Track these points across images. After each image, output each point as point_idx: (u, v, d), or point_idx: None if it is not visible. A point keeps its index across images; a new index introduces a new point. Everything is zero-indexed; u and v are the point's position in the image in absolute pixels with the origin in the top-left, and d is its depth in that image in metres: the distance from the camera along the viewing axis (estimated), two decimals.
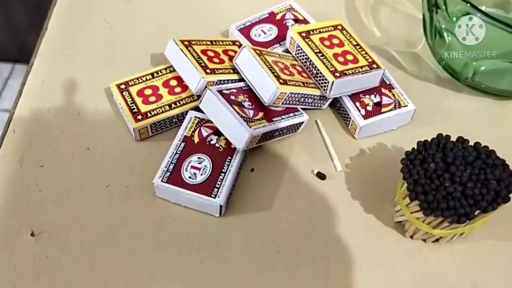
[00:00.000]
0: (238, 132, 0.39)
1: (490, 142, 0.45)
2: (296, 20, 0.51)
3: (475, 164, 0.36)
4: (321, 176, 0.42)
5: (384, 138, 0.45)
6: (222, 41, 0.47)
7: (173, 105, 0.43)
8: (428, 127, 0.46)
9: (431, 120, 0.47)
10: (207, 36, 0.48)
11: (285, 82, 0.41)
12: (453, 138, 0.39)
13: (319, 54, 0.44)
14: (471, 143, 0.38)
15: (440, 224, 0.36)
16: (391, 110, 0.44)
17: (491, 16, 0.40)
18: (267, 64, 0.42)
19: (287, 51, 0.47)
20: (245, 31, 0.49)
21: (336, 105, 0.46)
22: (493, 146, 0.45)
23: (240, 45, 0.48)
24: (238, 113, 0.40)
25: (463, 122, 0.47)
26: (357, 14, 0.55)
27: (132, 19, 0.53)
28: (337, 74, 0.43)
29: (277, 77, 0.41)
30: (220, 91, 0.41)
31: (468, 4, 0.41)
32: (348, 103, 0.45)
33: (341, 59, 0.44)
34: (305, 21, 0.51)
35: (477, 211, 0.34)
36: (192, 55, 0.43)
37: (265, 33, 0.49)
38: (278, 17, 0.51)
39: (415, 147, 0.38)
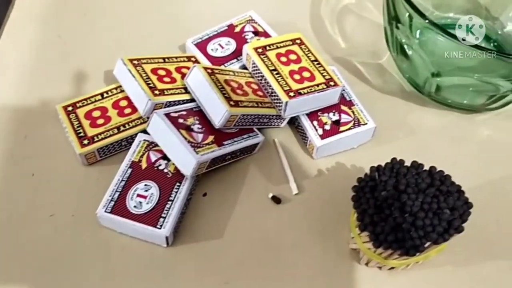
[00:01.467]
0: (185, 158, 0.37)
1: (455, 158, 0.44)
2: (256, 33, 0.49)
3: (428, 192, 0.34)
4: (276, 200, 0.41)
5: (344, 157, 0.43)
6: (176, 58, 0.45)
7: (121, 128, 0.41)
8: (391, 144, 0.44)
9: (395, 137, 0.45)
10: (165, 51, 0.47)
11: (236, 104, 0.40)
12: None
13: (275, 72, 0.42)
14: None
15: (392, 255, 0.34)
16: (349, 128, 0.43)
17: (450, 32, 0.38)
18: (218, 84, 0.40)
19: (244, 66, 0.45)
20: (202, 45, 0.48)
21: (295, 123, 0.45)
22: (458, 162, 0.43)
23: (195, 61, 0.46)
24: (186, 138, 0.38)
25: (427, 138, 0.45)
26: (322, 23, 0.53)
27: (88, 33, 0.51)
28: (292, 94, 0.41)
29: (228, 99, 0.39)
30: (167, 114, 0.39)
31: (427, 21, 0.39)
32: (306, 122, 0.43)
33: (297, 76, 0.42)
34: (265, 34, 0.49)
35: (428, 243, 0.33)
36: (141, 75, 0.41)
37: (222, 47, 0.47)
38: (237, 29, 0.49)
39: (368, 173, 0.36)
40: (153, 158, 0.40)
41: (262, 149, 0.44)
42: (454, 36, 0.38)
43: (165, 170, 0.39)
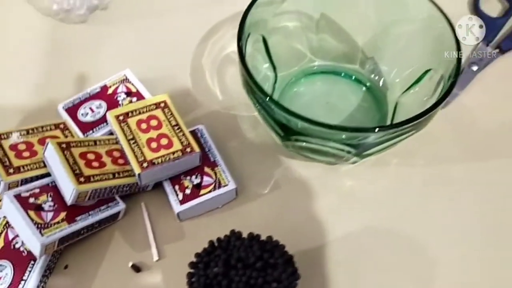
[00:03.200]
0: (31, 240, 0.38)
1: (314, 213, 0.45)
2: (129, 93, 0.49)
3: (257, 266, 0.35)
4: (136, 268, 0.42)
5: (208, 218, 0.44)
6: (43, 127, 0.46)
7: None
8: (256, 201, 0.45)
9: (260, 193, 0.46)
10: (41, 112, 0.48)
11: (87, 179, 0.40)
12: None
13: (132, 142, 0.43)
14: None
15: None
16: (210, 191, 0.43)
17: (284, 107, 0.39)
18: (71, 160, 0.41)
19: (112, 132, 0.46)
20: (73, 110, 0.48)
21: (161, 187, 0.46)
22: (317, 218, 0.44)
23: (65, 128, 0.47)
24: (33, 220, 0.39)
25: (292, 191, 0.46)
26: (202, 74, 0.54)
27: None
28: (145, 165, 0.42)
29: (78, 175, 0.40)
30: (18, 196, 0.40)
31: (268, 98, 0.40)
32: (168, 187, 0.44)
33: (154, 145, 0.43)
34: (138, 94, 0.49)
35: None
36: None
37: (93, 111, 0.48)
38: (110, 91, 0.49)
39: (206, 247, 0.37)
40: (10, 236, 0.41)
41: (129, 214, 0.45)
42: (289, 112, 0.38)
43: (21, 249, 0.40)
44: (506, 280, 0.42)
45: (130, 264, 0.42)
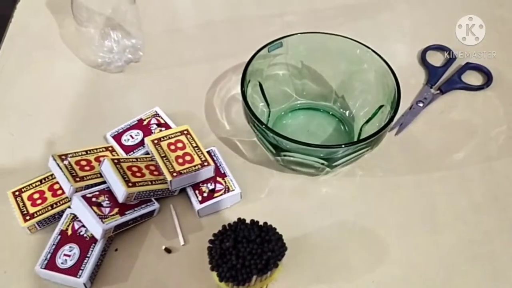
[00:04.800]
0: (95, 227, 0.53)
1: (299, 211, 0.60)
2: (159, 124, 0.65)
3: (257, 241, 0.50)
4: (167, 250, 0.57)
5: (220, 215, 0.60)
6: (96, 149, 0.62)
7: (54, 205, 0.57)
8: (255, 203, 0.61)
9: (258, 197, 0.61)
10: (91, 139, 0.63)
11: (133, 185, 0.56)
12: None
13: (164, 158, 0.59)
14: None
15: (233, 286, 0.50)
16: (221, 194, 0.59)
17: (273, 130, 0.55)
18: (121, 171, 0.57)
19: (147, 152, 0.62)
20: (118, 137, 0.64)
21: (185, 192, 0.61)
22: (301, 214, 0.59)
23: (112, 150, 0.63)
24: (96, 212, 0.54)
25: (281, 197, 0.61)
26: (213, 110, 0.70)
27: (33, 130, 0.68)
28: (175, 174, 0.57)
29: (127, 181, 0.56)
30: (84, 196, 0.55)
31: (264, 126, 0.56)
32: (190, 192, 0.59)
33: (180, 160, 0.59)
34: (166, 125, 0.65)
35: (254, 276, 0.49)
36: (66, 167, 0.57)
37: (132, 138, 0.64)
38: (145, 123, 0.66)
39: (220, 230, 0.52)
40: (76, 227, 0.56)
41: (162, 213, 0.60)
42: (284, 137, 0.55)
43: (85, 235, 0.55)
44: (438, 256, 0.57)
45: (163, 247, 0.57)
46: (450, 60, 0.75)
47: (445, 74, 0.74)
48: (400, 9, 0.85)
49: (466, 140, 0.67)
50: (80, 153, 0.60)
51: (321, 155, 0.57)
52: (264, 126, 0.56)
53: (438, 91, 0.72)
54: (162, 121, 0.66)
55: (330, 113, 0.69)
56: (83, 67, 0.75)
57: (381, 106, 0.62)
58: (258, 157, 0.65)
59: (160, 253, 0.57)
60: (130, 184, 0.56)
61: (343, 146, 0.55)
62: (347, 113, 0.68)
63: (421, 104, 0.70)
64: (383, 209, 0.61)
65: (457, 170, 0.64)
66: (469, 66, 0.74)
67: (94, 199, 0.55)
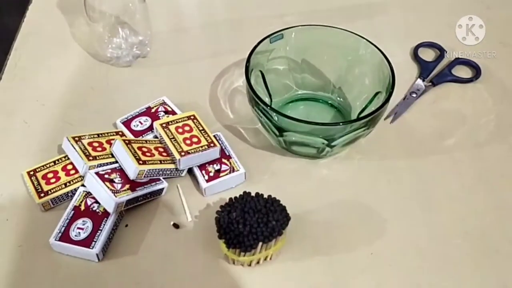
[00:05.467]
0: (108, 201, 0.56)
1: (301, 191, 0.63)
2: (166, 112, 0.69)
3: (262, 211, 0.53)
4: (176, 226, 0.59)
5: (225, 194, 0.62)
6: (108, 133, 0.65)
7: (68, 184, 0.60)
8: (259, 184, 0.64)
9: (261, 179, 0.64)
10: (101, 128, 0.66)
11: (144, 162, 0.59)
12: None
13: (173, 139, 0.62)
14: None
15: (240, 253, 0.53)
16: (227, 174, 0.62)
17: (281, 112, 0.59)
18: (132, 150, 0.60)
19: (156, 136, 0.65)
20: (127, 123, 0.67)
21: (192, 173, 0.64)
22: (303, 194, 0.63)
23: (122, 135, 0.66)
24: (108, 187, 0.57)
25: (283, 178, 0.65)
26: (217, 101, 0.74)
27: (46, 118, 0.71)
28: (183, 154, 0.60)
29: (138, 159, 0.59)
30: (97, 173, 0.58)
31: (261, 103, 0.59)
32: (197, 172, 0.62)
33: (188, 141, 0.62)
34: (173, 112, 0.69)
35: (260, 243, 0.52)
36: (80, 147, 0.61)
37: (142, 123, 0.67)
38: (153, 110, 0.69)
39: (227, 202, 0.55)
40: (89, 203, 0.58)
41: (168, 192, 0.63)
42: (287, 116, 0.58)
43: (97, 210, 0.58)
44: (432, 232, 0.60)
45: (172, 223, 0.59)
46: (441, 56, 0.80)
47: (437, 69, 0.79)
48: (393, 11, 0.90)
49: (457, 128, 0.71)
50: (92, 136, 0.63)
51: (321, 133, 0.60)
52: (269, 107, 0.59)
53: (430, 84, 0.76)
54: (169, 109, 0.69)
55: (329, 102, 0.72)
56: (93, 62, 0.78)
57: (377, 93, 0.66)
58: (261, 142, 0.69)
59: (169, 229, 0.59)
60: (140, 162, 0.59)
61: (341, 124, 0.58)
62: (345, 102, 0.71)
63: (414, 95, 0.74)
64: (380, 189, 0.64)
65: (449, 154, 0.68)
66: (458, 61, 0.79)
67: (106, 176, 0.58)
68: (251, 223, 0.52)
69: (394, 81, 0.62)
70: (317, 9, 0.89)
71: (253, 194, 0.55)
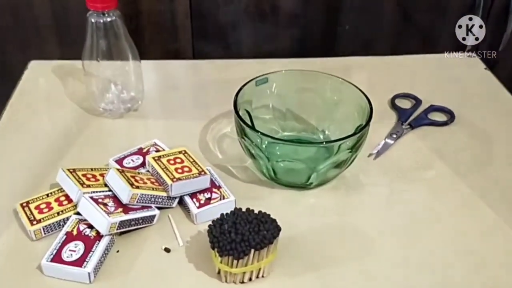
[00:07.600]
0: (101, 221, 0.57)
1: (290, 215, 0.65)
2: (158, 151, 0.72)
3: (253, 222, 0.54)
4: (167, 250, 0.59)
5: None
6: (101, 168, 0.67)
7: (60, 212, 0.61)
8: None
9: (251, 206, 0.64)
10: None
11: (137, 187, 0.61)
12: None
13: (165, 169, 0.64)
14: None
15: (232, 264, 0.53)
16: (217, 201, 0.64)
17: (278, 138, 0.62)
18: (126, 177, 0.62)
19: (148, 171, 0.67)
20: (120, 161, 0.70)
21: (183, 203, 0.65)
22: (292, 218, 0.64)
23: None
24: (102, 209, 0.58)
25: (273, 206, 0.64)
26: (206, 144, 0.77)
27: (42, 161, 0.73)
28: (174, 180, 0.62)
29: (131, 184, 0.60)
30: (91, 197, 0.59)
31: (259, 133, 0.63)
32: (188, 200, 0.64)
33: (180, 171, 0.64)
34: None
35: (252, 250, 0.52)
36: (74, 177, 0.62)
37: (133, 161, 0.70)
38: (144, 150, 0.72)
39: (219, 217, 0.56)
40: (81, 228, 0.59)
41: (160, 221, 0.63)
42: (274, 138, 0.62)
43: (89, 235, 0.58)
44: (421, 248, 0.62)
45: (163, 247, 0.59)
46: (417, 104, 0.86)
47: (414, 115, 0.84)
48: (369, 70, 0.98)
49: (436, 161, 0.75)
50: (86, 169, 0.65)
51: (306, 156, 0.63)
52: (259, 133, 0.63)
53: (408, 127, 0.81)
54: (160, 149, 0.72)
55: (312, 142, 0.76)
56: (86, 116, 0.82)
57: (358, 127, 0.70)
58: (250, 177, 0.71)
59: (160, 253, 0.59)
60: (134, 186, 0.60)
61: (324, 143, 0.61)
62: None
63: (394, 136, 0.79)
64: (366, 213, 0.66)
65: (430, 181, 0.71)
66: (433, 108, 0.85)
67: (100, 200, 0.59)
68: (242, 232, 0.53)
69: (371, 108, 0.66)
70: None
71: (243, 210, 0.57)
